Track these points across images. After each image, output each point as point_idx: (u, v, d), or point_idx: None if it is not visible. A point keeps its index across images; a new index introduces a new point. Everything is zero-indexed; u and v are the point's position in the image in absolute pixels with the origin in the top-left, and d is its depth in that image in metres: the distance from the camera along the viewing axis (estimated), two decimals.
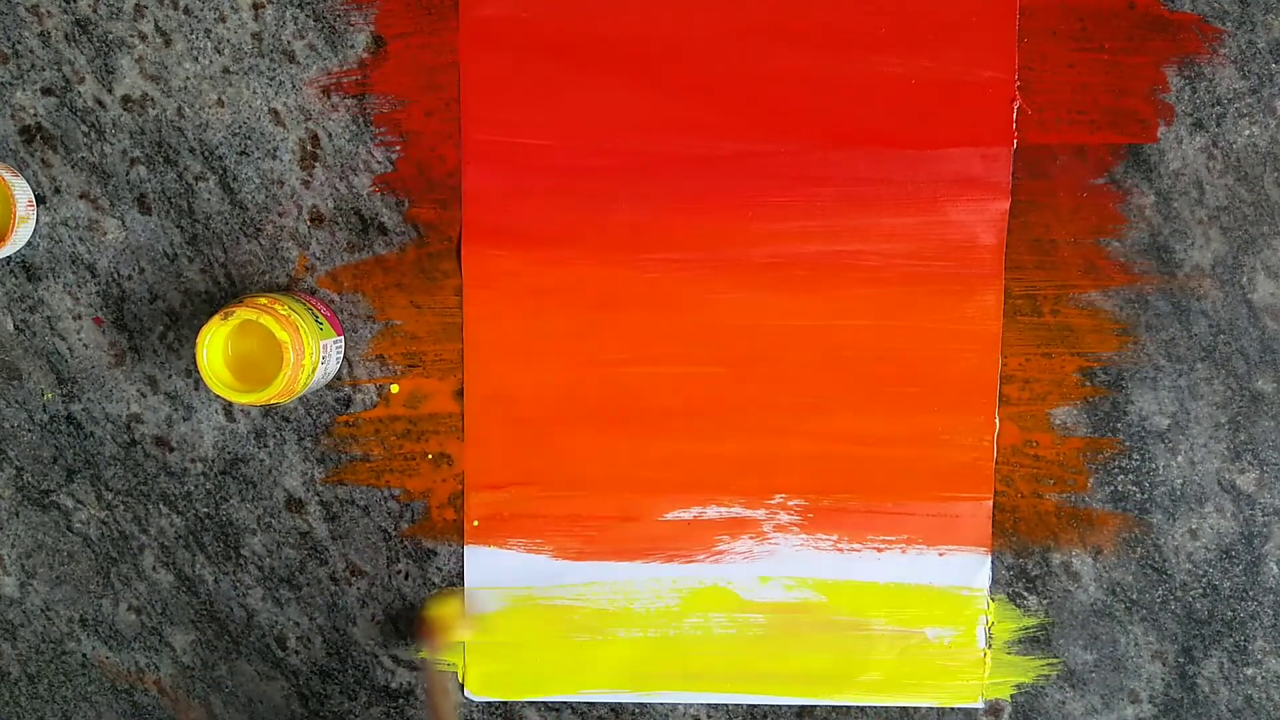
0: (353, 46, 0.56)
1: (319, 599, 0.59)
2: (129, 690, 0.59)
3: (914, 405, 0.57)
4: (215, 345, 0.52)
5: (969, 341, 0.56)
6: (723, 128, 0.55)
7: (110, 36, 0.56)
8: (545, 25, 0.55)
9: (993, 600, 0.58)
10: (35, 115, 0.56)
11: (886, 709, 0.59)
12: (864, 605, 0.58)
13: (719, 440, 0.57)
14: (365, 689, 0.59)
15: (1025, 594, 0.58)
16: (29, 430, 0.58)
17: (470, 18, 0.55)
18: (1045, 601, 0.58)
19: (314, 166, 0.56)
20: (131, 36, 0.56)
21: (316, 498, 0.58)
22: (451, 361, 0.57)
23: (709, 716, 0.59)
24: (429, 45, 0.55)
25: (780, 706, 0.59)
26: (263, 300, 0.52)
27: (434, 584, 0.58)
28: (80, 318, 0.57)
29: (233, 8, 0.55)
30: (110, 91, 0.56)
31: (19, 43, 0.56)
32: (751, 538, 0.58)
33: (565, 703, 0.59)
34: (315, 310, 0.54)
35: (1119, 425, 0.57)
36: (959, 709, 0.58)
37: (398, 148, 0.56)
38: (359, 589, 0.58)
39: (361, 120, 0.56)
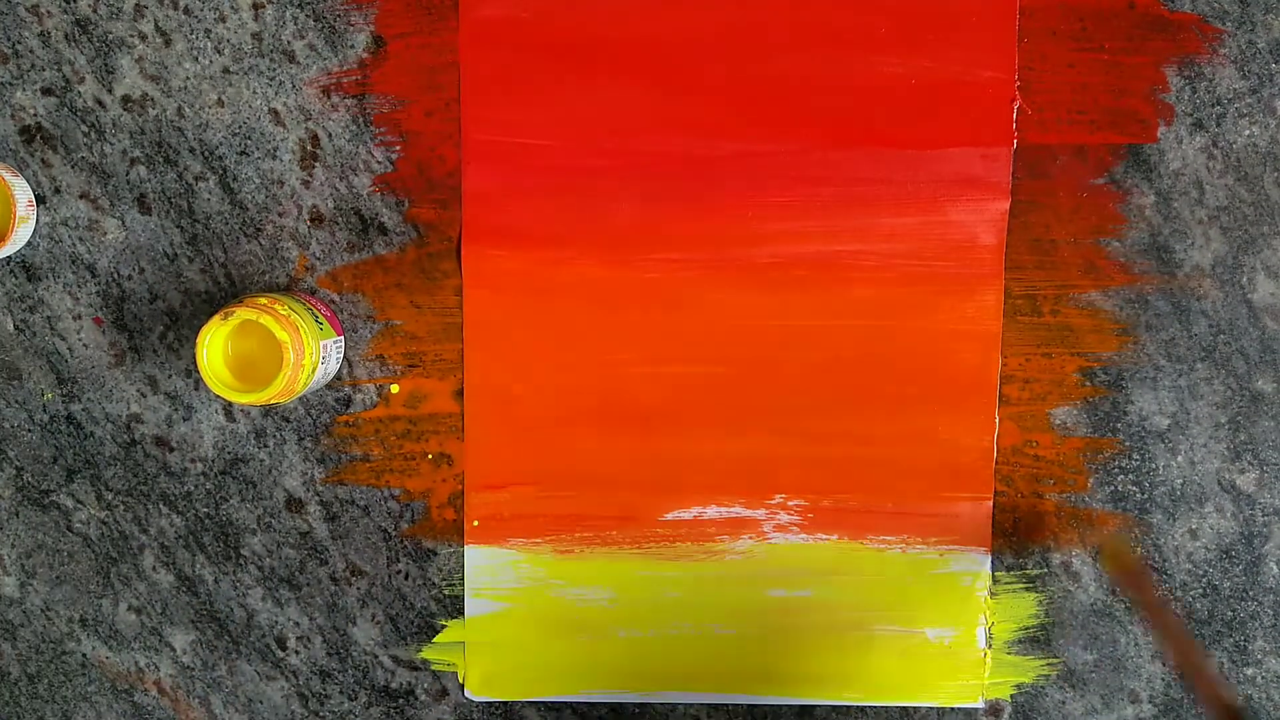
0: (353, 46, 0.56)
1: (319, 599, 0.59)
2: (129, 690, 0.59)
3: (914, 405, 0.57)
4: (215, 345, 0.52)
5: (969, 341, 0.56)
6: (723, 128, 0.55)
7: (110, 36, 0.56)
8: (545, 25, 0.55)
9: (993, 600, 0.58)
10: (35, 115, 0.56)
11: (886, 709, 0.59)
12: (864, 605, 0.58)
13: (719, 440, 0.57)
14: (365, 689, 0.59)
15: (1025, 594, 0.58)
16: (29, 430, 0.58)
17: (470, 18, 0.55)
18: (1045, 601, 0.58)
19: (314, 166, 0.56)
20: (131, 36, 0.56)
21: (316, 498, 0.58)
22: (451, 361, 0.57)
23: (709, 716, 0.59)
24: (429, 45, 0.56)
25: (780, 706, 0.59)
26: (263, 300, 0.52)
27: (434, 584, 0.58)
28: (80, 318, 0.57)
29: (233, 8, 0.55)
30: (110, 91, 0.56)
31: (19, 43, 0.56)
32: (751, 538, 0.58)
33: (565, 703, 0.59)
34: (315, 310, 0.54)
35: (1119, 425, 0.57)
36: (959, 709, 0.58)
37: (398, 148, 0.56)
38: (359, 589, 0.59)
39: (361, 120, 0.56)
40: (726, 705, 0.59)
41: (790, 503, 0.57)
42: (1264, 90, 0.55)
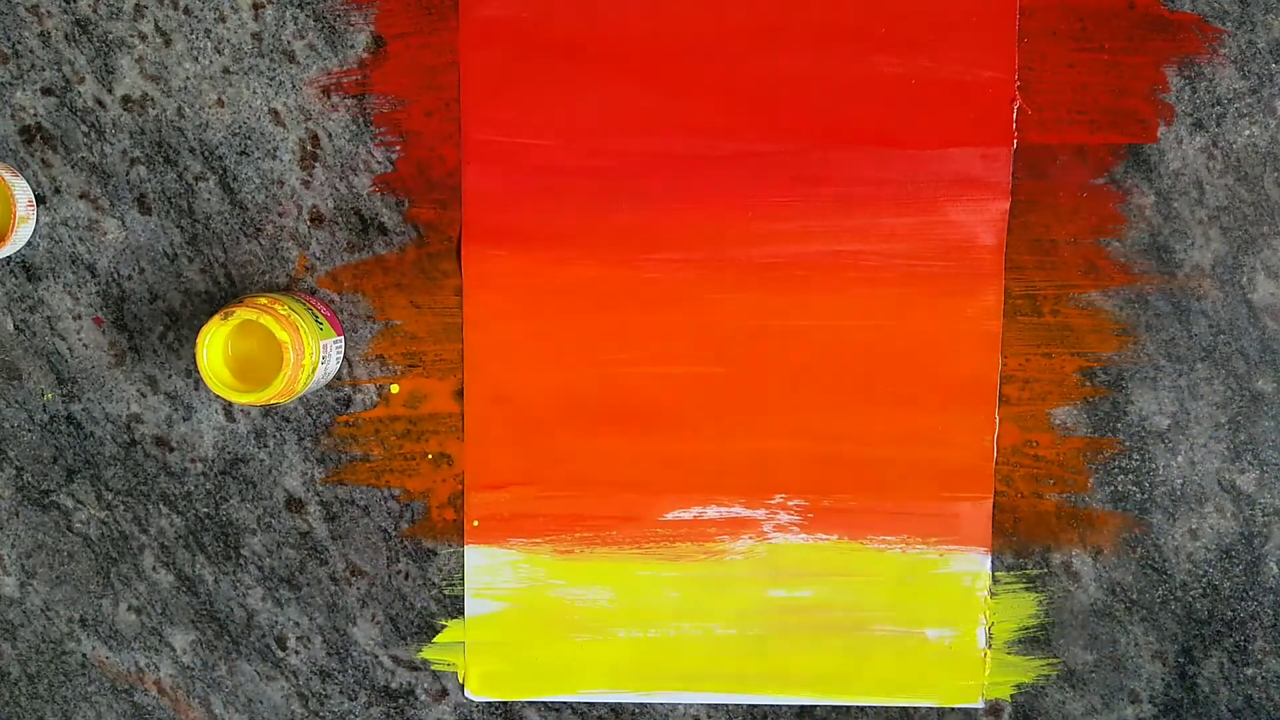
0: (353, 46, 0.56)
1: (319, 599, 0.59)
2: (129, 690, 0.59)
3: (914, 405, 0.57)
4: (215, 345, 0.52)
5: (969, 341, 0.56)
6: (723, 128, 0.55)
7: (110, 36, 0.56)
8: (545, 25, 0.55)
9: (993, 600, 0.58)
10: (35, 115, 0.56)
11: (886, 709, 0.59)
12: (864, 605, 0.58)
13: (719, 440, 0.57)
14: (365, 689, 0.59)
15: (1025, 594, 0.58)
16: (29, 430, 0.58)
17: (470, 18, 0.55)
18: (1045, 601, 0.58)
19: (314, 166, 0.56)
20: (131, 36, 0.56)
21: (316, 498, 0.58)
22: (451, 361, 0.57)
23: (709, 716, 0.59)
24: (429, 45, 0.56)
25: (780, 706, 0.59)
26: (263, 300, 0.52)
27: (434, 584, 0.58)
28: (80, 318, 0.57)
29: (233, 8, 0.55)
30: (110, 91, 0.56)
31: (19, 43, 0.56)
32: (751, 538, 0.58)
33: (565, 703, 0.59)
34: (315, 310, 0.54)
35: (1119, 425, 0.57)
36: (959, 709, 0.58)
37: (398, 148, 0.56)
38: (359, 589, 0.59)
39: (361, 120, 0.56)
40: (726, 705, 0.59)
41: (790, 503, 0.57)
42: (1264, 90, 0.55)
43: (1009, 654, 0.58)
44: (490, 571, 0.58)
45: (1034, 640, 0.58)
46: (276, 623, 0.59)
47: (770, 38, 0.55)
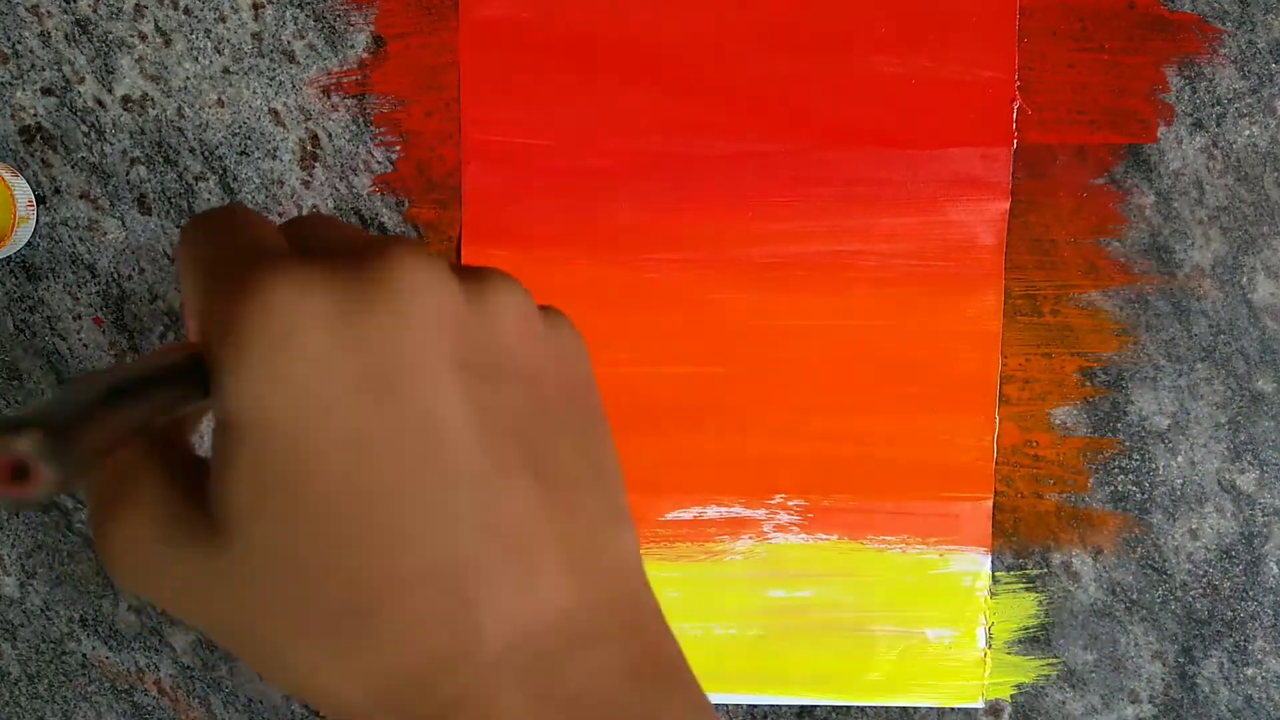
0: (353, 46, 0.56)
1: None
2: (129, 690, 0.59)
3: (914, 405, 0.57)
4: None
5: (969, 341, 0.56)
6: (723, 128, 0.55)
7: (110, 36, 0.56)
8: (545, 25, 0.55)
9: (993, 600, 0.58)
10: (35, 115, 0.56)
11: (886, 709, 0.59)
12: (864, 605, 0.58)
13: (719, 440, 0.57)
14: None
15: (1025, 594, 0.58)
16: None
17: (470, 18, 0.55)
18: (1045, 601, 0.58)
19: (314, 166, 0.56)
20: (131, 36, 0.56)
21: None
22: None
23: None
24: (429, 45, 0.55)
25: (780, 706, 0.59)
26: None
27: None
28: (80, 318, 0.57)
29: (233, 8, 0.55)
30: (110, 91, 0.56)
31: (19, 43, 0.56)
32: (751, 538, 0.58)
33: None
34: None
35: (1119, 425, 0.57)
36: (959, 709, 0.58)
37: (398, 148, 0.56)
38: None
39: (361, 120, 0.56)
40: (726, 705, 0.59)
41: (790, 503, 0.57)
42: (1264, 90, 0.55)
43: (1009, 654, 0.58)
44: None
45: (1034, 640, 0.58)
46: None
47: (770, 38, 0.55)
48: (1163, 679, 0.58)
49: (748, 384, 0.57)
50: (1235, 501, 0.57)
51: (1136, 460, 0.57)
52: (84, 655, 0.59)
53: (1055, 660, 0.58)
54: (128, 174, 0.56)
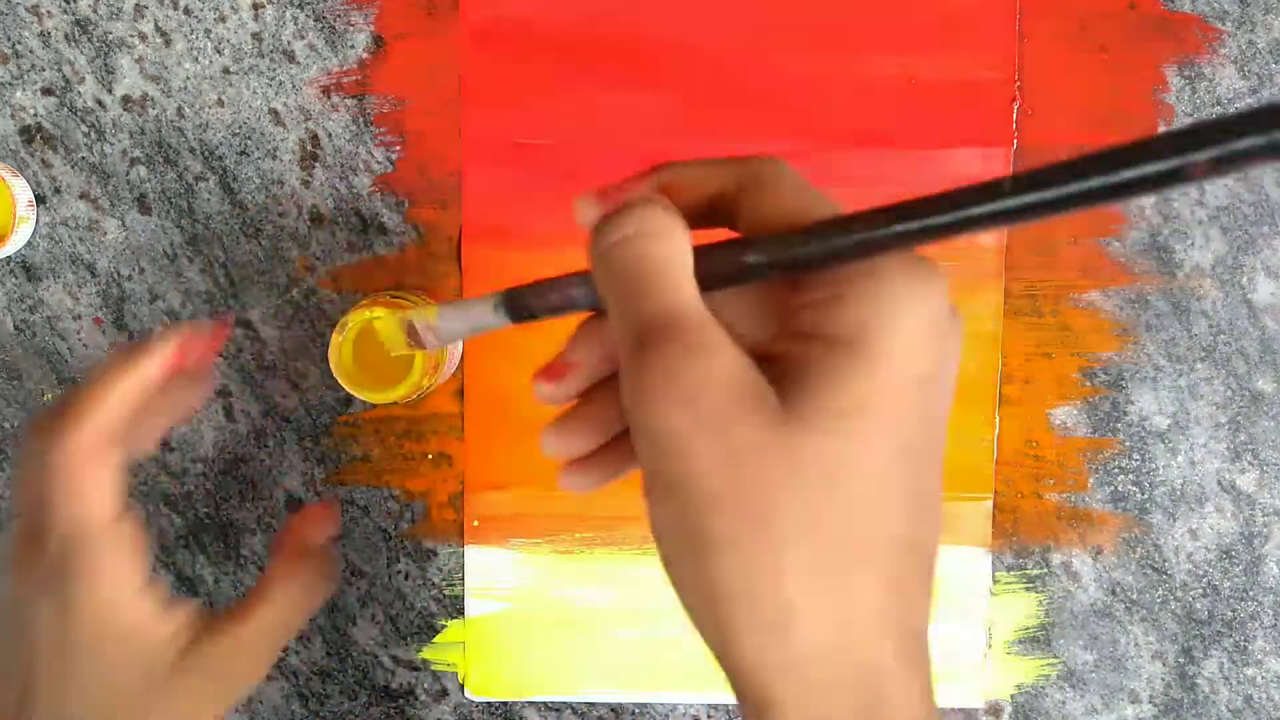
0: (353, 46, 0.56)
1: None
2: None
3: None
4: (344, 351, 0.51)
5: (969, 341, 0.56)
6: (723, 128, 0.55)
7: (110, 36, 0.56)
8: (545, 25, 0.55)
9: (993, 600, 0.58)
10: (35, 115, 0.56)
11: None
12: None
13: None
14: (365, 689, 0.59)
15: (1025, 594, 0.58)
16: None
17: (470, 18, 0.55)
18: (1045, 601, 0.58)
19: (314, 166, 0.56)
20: (131, 36, 0.56)
21: (317, 498, 0.58)
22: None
23: (709, 716, 0.59)
24: (429, 45, 0.55)
25: None
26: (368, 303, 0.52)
27: (434, 584, 0.58)
28: (80, 318, 0.57)
29: (233, 8, 0.55)
30: (110, 91, 0.56)
31: (19, 43, 0.56)
32: None
33: (565, 703, 0.59)
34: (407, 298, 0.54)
35: (1119, 425, 0.57)
36: (959, 709, 0.58)
37: (398, 148, 0.56)
38: (359, 589, 0.58)
39: (361, 120, 0.56)
40: (727, 705, 0.59)
41: None
42: (1264, 90, 0.55)
43: (1009, 654, 0.58)
44: (490, 571, 0.58)
45: (1034, 640, 0.58)
46: None
47: (771, 38, 0.55)
48: (1163, 679, 0.58)
49: None
50: (1235, 501, 0.57)
51: (1136, 460, 0.57)
52: None
53: (1055, 660, 0.58)
54: (128, 174, 0.56)
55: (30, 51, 0.56)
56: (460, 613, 0.58)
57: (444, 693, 0.59)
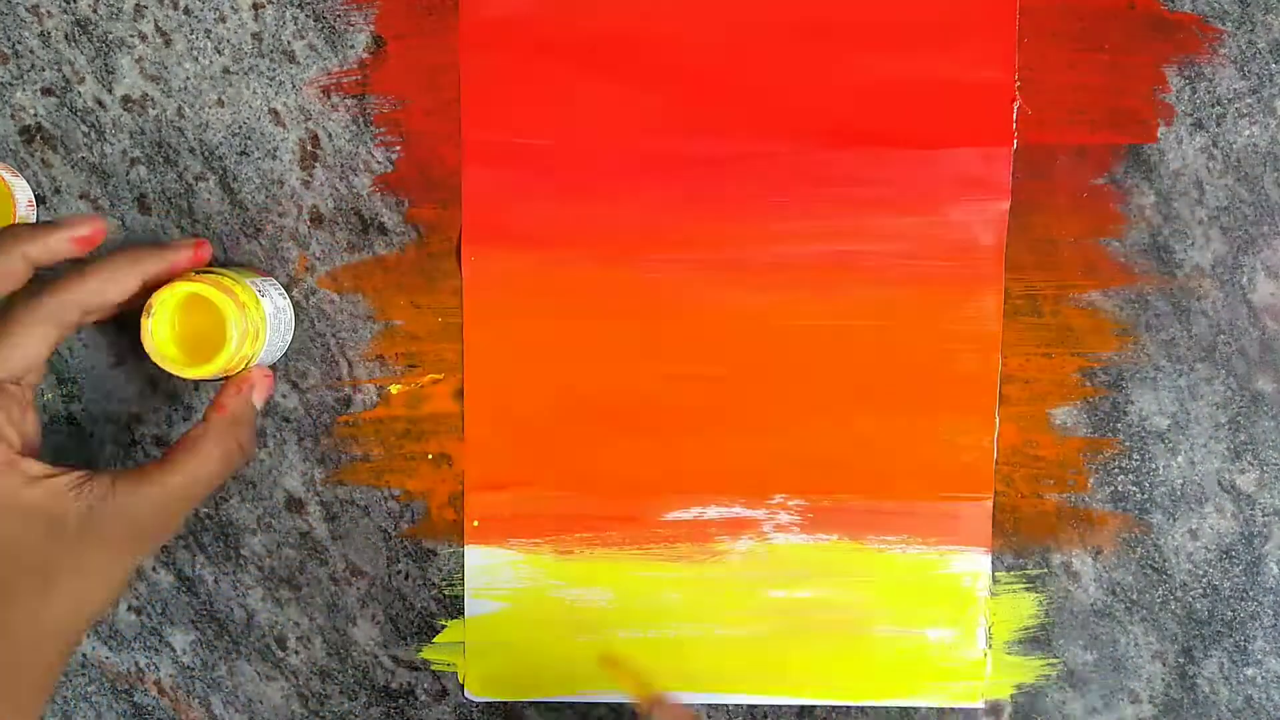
0: (353, 46, 0.56)
1: (319, 599, 0.59)
2: (129, 690, 0.59)
3: (914, 405, 0.57)
4: (162, 323, 0.51)
5: (969, 341, 0.56)
6: (723, 128, 0.55)
7: (110, 36, 0.56)
8: (545, 25, 0.55)
9: (993, 600, 0.58)
10: (35, 115, 0.56)
11: (886, 709, 0.59)
12: (864, 605, 0.58)
13: (719, 440, 0.57)
14: (365, 689, 0.59)
15: (1025, 594, 0.58)
16: None
17: (470, 18, 0.55)
18: (1045, 601, 0.58)
19: (314, 166, 0.56)
20: (131, 36, 0.56)
21: (316, 498, 0.58)
22: (451, 362, 0.57)
23: (709, 716, 0.59)
24: (429, 45, 0.55)
25: (780, 706, 0.59)
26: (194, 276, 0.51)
27: (434, 584, 0.58)
28: None
29: (233, 8, 0.55)
30: (110, 91, 0.56)
31: (19, 43, 0.56)
32: (752, 538, 0.58)
33: (565, 703, 0.59)
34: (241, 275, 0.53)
35: (1119, 425, 0.57)
36: (959, 709, 0.58)
37: (398, 148, 0.56)
38: (359, 589, 0.58)
39: (361, 120, 0.56)
40: (726, 705, 0.59)
41: (790, 503, 0.57)
42: (1264, 90, 0.55)
43: (1009, 654, 0.58)
44: (490, 571, 0.58)
45: (1034, 640, 0.58)
46: (276, 623, 0.59)
47: (770, 37, 0.55)
48: (1163, 679, 0.58)
49: (748, 384, 0.57)
50: (1235, 501, 0.57)
51: (1136, 460, 0.57)
52: (84, 655, 0.59)
53: (1055, 660, 0.58)
54: (128, 174, 0.56)
55: (30, 51, 0.56)
56: (460, 613, 0.58)
57: (444, 693, 0.59)
